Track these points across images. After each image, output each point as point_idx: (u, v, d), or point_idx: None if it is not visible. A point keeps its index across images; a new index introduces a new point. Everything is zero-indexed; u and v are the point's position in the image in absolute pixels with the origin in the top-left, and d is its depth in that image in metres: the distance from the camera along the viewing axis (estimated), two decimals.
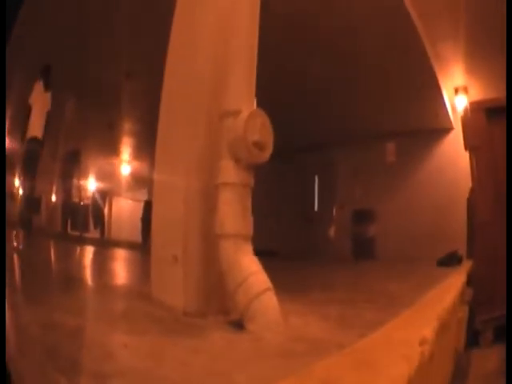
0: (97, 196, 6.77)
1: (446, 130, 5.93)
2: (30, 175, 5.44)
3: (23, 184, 5.48)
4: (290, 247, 5.82)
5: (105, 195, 6.92)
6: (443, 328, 1.29)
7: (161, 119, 1.75)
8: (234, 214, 1.32)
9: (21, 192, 6.00)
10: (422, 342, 0.93)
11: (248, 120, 1.33)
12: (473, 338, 3.82)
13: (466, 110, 5.25)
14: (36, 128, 5.25)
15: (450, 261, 4.18)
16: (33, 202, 5.71)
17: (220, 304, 1.35)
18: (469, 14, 4.39)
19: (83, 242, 5.81)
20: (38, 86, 5.32)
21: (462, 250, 4.55)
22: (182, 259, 1.43)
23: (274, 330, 1.20)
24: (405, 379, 0.72)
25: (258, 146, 1.34)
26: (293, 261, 3.72)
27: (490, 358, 3.44)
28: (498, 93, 4.90)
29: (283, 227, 3.31)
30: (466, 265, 4.10)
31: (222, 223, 1.32)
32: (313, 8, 3.70)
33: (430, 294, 2.01)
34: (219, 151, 1.39)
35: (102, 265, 3.53)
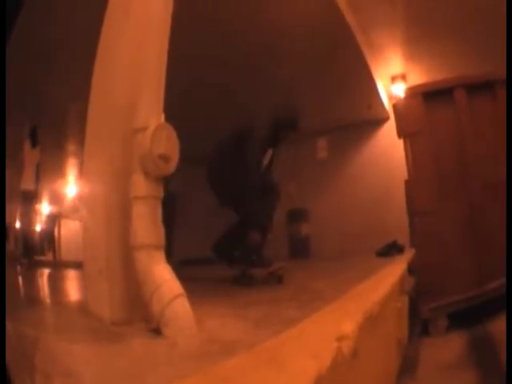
0: (48, 218, 6.94)
1: (382, 120, 5.94)
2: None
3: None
4: None
5: (55, 217, 7.03)
6: (373, 320, 1.29)
7: (86, 141, 1.82)
8: (145, 225, 1.40)
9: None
10: (340, 338, 0.92)
11: (153, 134, 1.41)
12: (422, 328, 3.81)
13: (397, 97, 5.16)
14: (28, 181, 5.91)
15: (389, 251, 4.24)
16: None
17: (143, 312, 1.42)
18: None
19: (40, 264, 5.97)
20: (27, 144, 5.84)
21: (404, 239, 4.52)
22: (105, 272, 1.50)
23: (188, 333, 1.27)
24: (312, 377, 0.71)
25: (164, 158, 1.42)
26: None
27: (447, 347, 3.37)
28: (438, 75, 4.85)
29: (218, 231, 3.35)
30: (408, 254, 4.08)
31: (135, 235, 1.39)
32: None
33: (362, 286, 2.03)
34: (133, 167, 1.47)
35: (53, 284, 3.74)
